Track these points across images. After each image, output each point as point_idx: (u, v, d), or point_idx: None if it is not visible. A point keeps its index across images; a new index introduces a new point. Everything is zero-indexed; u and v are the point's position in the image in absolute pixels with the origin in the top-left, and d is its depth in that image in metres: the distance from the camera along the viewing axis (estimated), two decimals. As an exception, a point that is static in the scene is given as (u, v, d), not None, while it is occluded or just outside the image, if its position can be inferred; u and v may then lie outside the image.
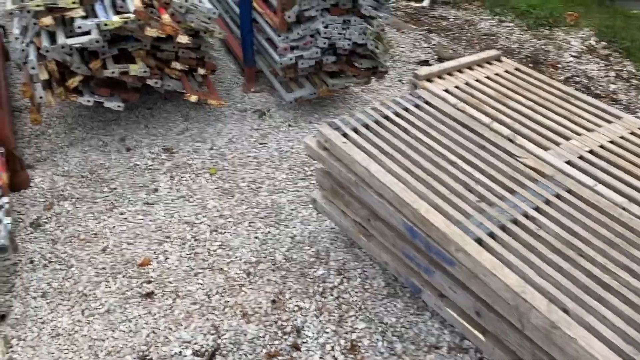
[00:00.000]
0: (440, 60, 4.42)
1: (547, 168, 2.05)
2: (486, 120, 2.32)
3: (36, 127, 3.46)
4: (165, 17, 2.95)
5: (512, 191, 1.95)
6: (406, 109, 2.40)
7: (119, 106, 3.16)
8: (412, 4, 5.45)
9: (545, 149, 2.16)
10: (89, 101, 3.08)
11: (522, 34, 4.94)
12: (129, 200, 2.97)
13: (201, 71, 3.34)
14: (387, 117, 2.36)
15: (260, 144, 3.42)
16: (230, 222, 2.83)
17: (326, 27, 3.26)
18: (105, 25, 2.77)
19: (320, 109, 3.75)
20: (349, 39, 3.33)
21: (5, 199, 2.44)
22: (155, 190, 3.04)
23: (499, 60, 2.82)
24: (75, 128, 3.52)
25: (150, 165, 3.23)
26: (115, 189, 3.05)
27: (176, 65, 3.22)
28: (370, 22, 3.33)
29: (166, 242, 2.71)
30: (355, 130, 2.28)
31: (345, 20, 3.29)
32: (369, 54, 3.50)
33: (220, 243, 2.70)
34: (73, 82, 3.01)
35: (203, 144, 3.41)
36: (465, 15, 5.32)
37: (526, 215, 1.85)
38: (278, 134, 3.51)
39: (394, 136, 2.24)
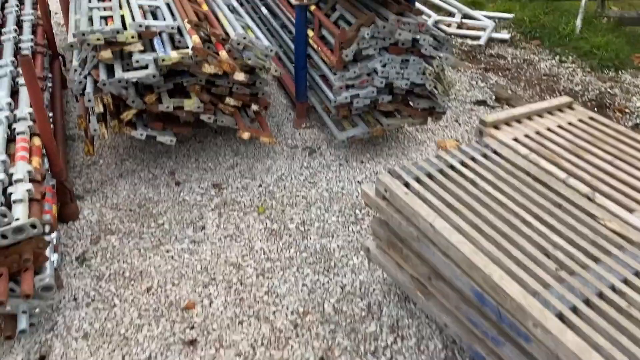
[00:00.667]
0: (498, 100, 4.25)
1: (634, 233, 1.84)
2: (561, 175, 2.14)
3: (88, 157, 3.46)
4: (223, 54, 2.91)
5: (595, 259, 1.76)
6: (473, 159, 2.25)
7: (171, 140, 3.12)
8: (469, 41, 5.32)
9: (630, 210, 1.95)
10: (141, 135, 3.05)
11: (585, 76, 4.72)
12: (176, 238, 2.89)
13: (254, 107, 3.28)
14: (452, 167, 2.21)
15: (310, 182, 3.31)
16: (277, 266, 2.71)
17: (384, 66, 3.16)
18: (163, 60, 2.75)
19: (372, 148, 3.63)
20: (407, 79, 3.22)
21: (54, 235, 2.40)
22: (203, 227, 2.96)
23: (571, 108, 2.64)
24: (126, 159, 3.50)
25: (199, 201, 3.16)
26: (162, 224, 2.99)
27: (230, 101, 3.17)
28: (430, 62, 3.20)
29: (211, 284, 2.61)
30: (418, 180, 2.14)
31: (404, 59, 3.19)
32: (426, 94, 3.37)
33: (266, 289, 2.58)
34: (128, 115, 2.99)
35: (252, 180, 3.33)
36: (524, 54, 5.14)
37: (613, 289, 1.65)
38: (328, 173, 3.40)
39: (460, 188, 2.09)
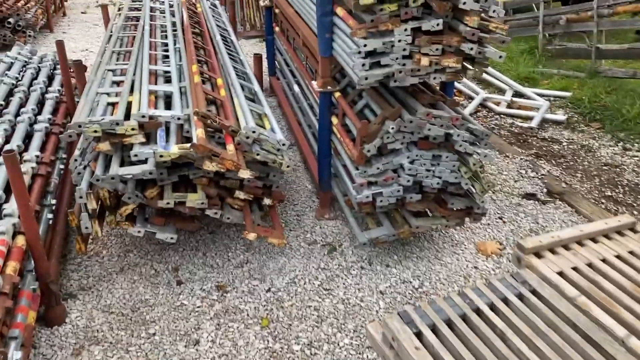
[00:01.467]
0: (550, 194, 3.76)
1: None
2: (620, 332, 1.66)
3: (90, 248, 3.23)
4: (230, 147, 2.65)
5: None
6: (506, 301, 1.80)
7: (171, 238, 2.84)
8: (519, 122, 4.88)
9: None
10: (139, 232, 2.79)
11: (654, 167, 4.17)
12: (165, 354, 2.54)
13: (267, 201, 2.97)
14: (478, 311, 1.77)
15: (325, 290, 2.92)
16: (272, 401, 2.30)
17: (412, 162, 2.79)
18: (160, 156, 2.50)
19: (400, 249, 3.22)
20: (439, 177, 2.83)
21: (18, 355, 2.10)
22: (197, 342, 2.61)
23: (635, 231, 2.15)
24: (131, 250, 3.24)
25: (198, 307, 2.82)
26: (153, 334, 2.66)
27: (240, 194, 2.88)
28: (466, 159, 2.81)
29: (192, 421, 2.22)
30: (434, 328, 1.71)
31: (435, 155, 2.81)
32: (463, 192, 2.96)
33: None
34: (125, 210, 2.74)
35: (261, 282, 2.98)
36: (582, 139, 4.63)
37: None
38: (347, 278, 2.99)
39: (487, 344, 1.64)
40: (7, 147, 3.05)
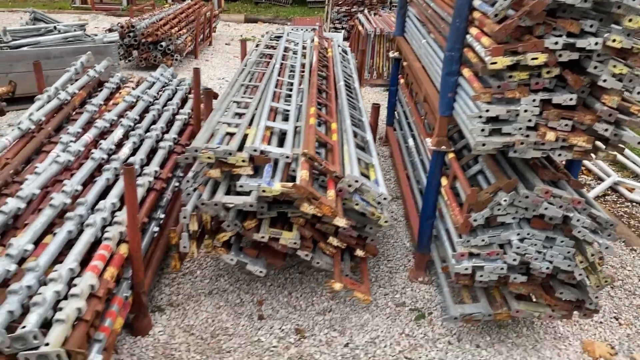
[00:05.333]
0: (683, 302, 3.27)
1: None
2: None
3: (186, 265, 3.35)
4: (331, 193, 2.63)
5: None
6: None
7: (260, 272, 2.86)
8: (653, 212, 4.38)
9: None
10: (232, 260, 2.84)
11: None
12: (232, 388, 2.53)
13: (360, 253, 2.89)
14: None
15: (406, 358, 2.74)
16: None
17: (521, 240, 2.58)
18: (263, 191, 2.54)
19: (495, 330, 2.96)
20: (550, 262, 2.57)
21: (98, 358, 2.19)
22: (265, 383, 2.56)
23: None
24: (222, 276, 3.31)
25: (274, 347, 2.78)
26: (225, 365, 2.66)
27: (333, 241, 2.84)
28: (584, 247, 2.54)
29: None
30: None
31: (549, 237, 2.57)
32: (575, 283, 2.67)
33: None
34: (223, 237, 2.81)
35: (340, 335, 2.88)
36: None
37: None
38: (432, 351, 2.80)
39: None
40: (131, 159, 3.30)
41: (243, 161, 2.69)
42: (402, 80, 5.19)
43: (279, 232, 2.78)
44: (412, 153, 4.21)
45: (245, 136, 2.95)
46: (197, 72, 4.06)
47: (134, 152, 3.46)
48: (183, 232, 2.75)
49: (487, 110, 2.39)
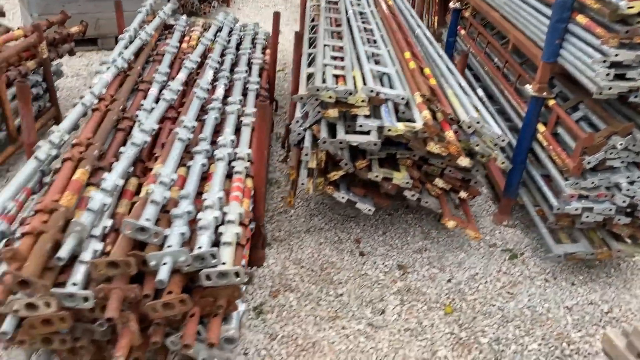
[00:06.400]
0: None
1: None
2: None
3: (281, 205, 3.46)
4: (450, 134, 2.71)
5: None
6: None
7: (369, 210, 2.97)
8: None
9: None
10: (343, 197, 2.94)
11: None
12: (353, 315, 2.68)
13: (463, 194, 3.01)
14: None
15: (508, 293, 2.90)
16: (462, 385, 2.34)
17: (631, 183, 2.69)
18: (389, 130, 2.62)
19: (585, 270, 3.10)
20: (656, 204, 2.70)
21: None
22: (382, 312, 2.71)
23: None
24: (315, 215, 3.43)
25: (381, 280, 2.93)
26: (341, 295, 2.80)
27: (439, 182, 2.94)
28: (692, 191, 2.66)
29: (384, 383, 2.32)
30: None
31: (657, 180, 2.69)
32: (674, 225, 2.81)
33: (447, 410, 2.21)
34: (335, 175, 2.91)
35: (440, 272, 3.02)
36: None
37: None
38: (531, 288, 2.95)
39: None
40: (230, 99, 3.34)
41: (362, 101, 2.75)
42: (462, 32, 5.20)
43: (390, 172, 2.87)
44: (484, 103, 4.26)
45: (353, 78, 3.00)
46: (277, 16, 4.06)
47: (226, 94, 3.50)
48: (302, 169, 2.84)
49: (617, 55, 2.46)
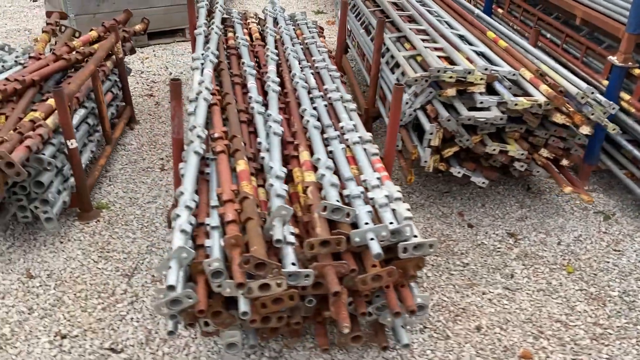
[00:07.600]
0: None
1: None
2: None
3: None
4: (569, 106, 2.89)
5: None
6: None
7: (483, 183, 3.14)
8: None
9: None
10: (459, 172, 3.11)
11: None
12: (487, 281, 2.86)
13: (565, 162, 3.20)
14: None
15: (615, 250, 3.12)
16: (610, 334, 2.54)
17: None
18: (515, 105, 2.79)
19: (674, 226, 3.36)
20: None
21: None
22: (511, 276, 2.90)
23: None
24: (413, 193, 3.58)
25: (498, 248, 3.12)
26: (467, 264, 2.97)
27: (544, 152, 3.13)
28: None
29: (541, 337, 2.51)
30: None
31: None
32: None
33: (607, 356, 2.42)
34: (449, 152, 3.07)
35: (548, 236, 3.22)
36: None
37: None
38: (634, 244, 3.18)
39: None
40: (327, 87, 3.45)
41: (481, 79, 2.91)
42: (500, 10, 5.39)
43: (504, 145, 3.05)
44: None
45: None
46: (345, 4, 4.16)
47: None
48: (425, 147, 2.99)
49: None
